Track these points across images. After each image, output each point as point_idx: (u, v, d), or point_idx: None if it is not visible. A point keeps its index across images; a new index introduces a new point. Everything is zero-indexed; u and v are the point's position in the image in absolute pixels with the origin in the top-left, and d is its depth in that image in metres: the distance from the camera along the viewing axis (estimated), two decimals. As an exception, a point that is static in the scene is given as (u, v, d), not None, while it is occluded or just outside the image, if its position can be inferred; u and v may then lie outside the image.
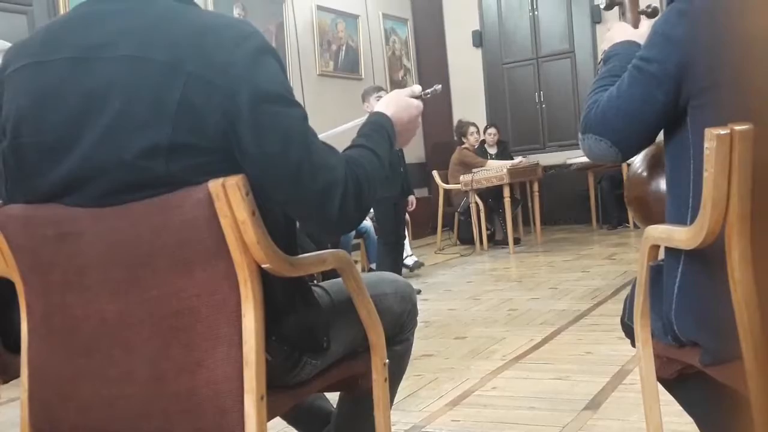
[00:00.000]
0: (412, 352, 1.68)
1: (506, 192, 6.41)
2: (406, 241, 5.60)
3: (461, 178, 6.69)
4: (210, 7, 5.84)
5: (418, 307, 1.65)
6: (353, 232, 5.07)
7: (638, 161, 1.65)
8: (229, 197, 1.03)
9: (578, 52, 8.31)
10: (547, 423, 2.22)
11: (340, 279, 1.39)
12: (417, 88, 1.44)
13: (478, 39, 8.79)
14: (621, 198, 1.75)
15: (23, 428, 1.24)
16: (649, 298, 1.37)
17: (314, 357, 1.30)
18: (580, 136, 1.35)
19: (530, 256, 6.23)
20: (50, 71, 1.11)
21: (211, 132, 1.06)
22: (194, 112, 1.04)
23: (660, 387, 1.45)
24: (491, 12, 8.71)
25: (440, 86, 1.53)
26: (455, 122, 7.68)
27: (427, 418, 2.38)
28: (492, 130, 7.58)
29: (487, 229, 6.85)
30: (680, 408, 1.54)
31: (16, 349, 1.28)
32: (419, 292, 4.81)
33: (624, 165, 5.57)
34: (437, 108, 8.26)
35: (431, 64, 8.89)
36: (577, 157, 7.19)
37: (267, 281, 1.11)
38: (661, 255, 1.35)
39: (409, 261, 5.70)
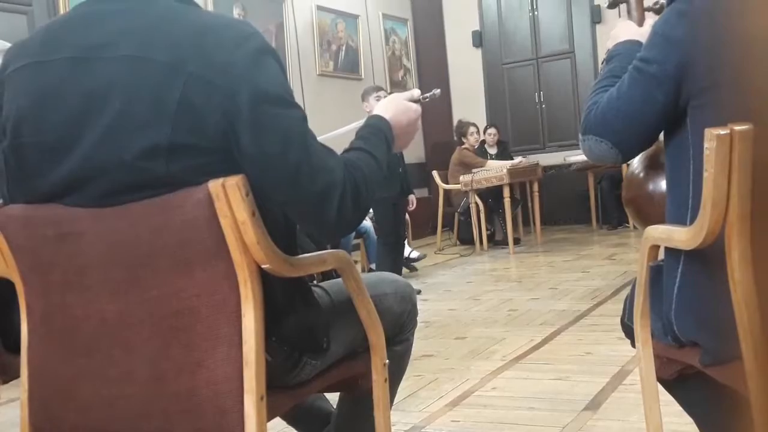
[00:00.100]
0: (412, 353, 1.68)
1: (506, 192, 6.41)
2: (407, 241, 5.62)
3: (461, 178, 6.69)
4: (210, 8, 5.84)
5: (418, 307, 1.65)
6: (353, 233, 5.08)
7: (636, 162, 1.65)
8: (229, 197, 1.04)
9: (578, 53, 8.31)
10: (547, 423, 2.22)
11: (340, 279, 1.39)
12: (416, 92, 1.44)
13: (478, 39, 8.79)
14: (621, 198, 1.74)
15: (23, 428, 1.24)
16: (649, 298, 1.37)
17: (314, 357, 1.30)
18: (580, 137, 1.35)
19: (530, 257, 6.23)
20: (50, 71, 1.11)
21: (211, 132, 1.06)
22: (194, 113, 1.04)
23: (660, 387, 1.45)
24: (491, 12, 8.71)
25: (439, 90, 1.53)
26: (455, 122, 7.68)
27: (427, 418, 2.38)
28: (492, 131, 7.58)
29: (487, 230, 6.86)
30: (680, 408, 1.54)
31: (16, 350, 1.28)
32: (419, 292, 4.81)
33: (624, 165, 5.57)
34: (437, 108, 8.27)
35: (431, 65, 8.89)
36: (577, 155, 7.18)
37: (267, 281, 1.11)
38: (661, 255, 1.35)
39: (413, 254, 5.71)
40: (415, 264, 5.88)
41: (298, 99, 1.14)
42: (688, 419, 1.54)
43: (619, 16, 6.36)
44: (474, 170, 6.65)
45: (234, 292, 1.08)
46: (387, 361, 1.44)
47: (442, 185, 7.17)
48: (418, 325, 1.68)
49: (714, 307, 1.18)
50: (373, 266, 5.22)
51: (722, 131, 1.03)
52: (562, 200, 8.20)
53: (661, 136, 1.33)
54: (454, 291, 4.86)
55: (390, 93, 5.68)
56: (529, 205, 7.23)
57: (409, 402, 2.55)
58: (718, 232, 1.08)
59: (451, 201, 7.23)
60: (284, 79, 1.13)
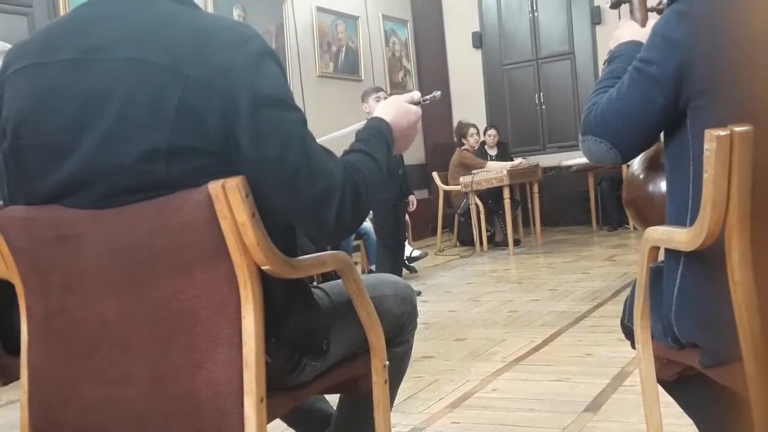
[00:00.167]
0: (412, 354, 1.68)
1: (506, 193, 6.41)
2: (407, 241, 5.62)
3: (461, 179, 6.69)
4: (210, 9, 5.84)
5: (418, 308, 1.65)
6: (353, 234, 5.07)
7: (636, 163, 1.65)
8: (229, 199, 1.03)
9: (578, 54, 8.31)
10: (548, 425, 2.22)
11: (340, 281, 1.39)
12: (416, 94, 1.44)
13: (478, 40, 8.79)
14: (621, 199, 1.74)
15: (23, 430, 1.24)
16: (649, 299, 1.37)
17: (314, 359, 1.30)
18: (580, 137, 1.35)
19: (530, 258, 6.23)
20: (50, 73, 1.11)
21: (210, 135, 1.06)
22: (194, 116, 1.04)
23: (660, 389, 1.44)
24: (491, 13, 8.72)
25: (439, 93, 1.53)
26: (455, 123, 7.68)
27: (427, 420, 2.38)
28: (492, 132, 7.59)
29: (487, 231, 6.85)
30: (680, 410, 1.54)
31: (16, 351, 1.28)
32: (419, 293, 4.81)
33: (624, 166, 5.57)
34: (437, 109, 8.26)
35: (431, 66, 8.89)
36: (574, 159, 7.18)
37: (267, 283, 1.11)
38: (661, 256, 1.35)
39: (414, 253, 5.72)
40: (416, 264, 5.88)
41: (297, 100, 1.14)
42: (688, 421, 1.54)
43: (620, 17, 6.37)
44: (474, 171, 6.65)
45: (234, 293, 1.08)
46: (387, 362, 1.44)
47: (442, 186, 7.17)
48: (418, 326, 1.68)
49: (714, 308, 1.18)
50: (373, 267, 5.22)
51: (722, 132, 1.03)
52: (562, 201, 8.20)
53: (662, 137, 1.33)
54: (454, 292, 4.86)
55: (390, 94, 5.70)
56: (529, 206, 7.23)
57: (409, 403, 2.55)
58: (718, 233, 1.08)
59: (451, 202, 7.23)
60: (284, 82, 1.13)
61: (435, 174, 7.36)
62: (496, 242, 6.95)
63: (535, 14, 8.46)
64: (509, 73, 8.67)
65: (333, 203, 1.10)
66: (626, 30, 1.48)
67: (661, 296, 1.31)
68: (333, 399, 1.69)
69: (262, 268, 1.09)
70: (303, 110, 1.14)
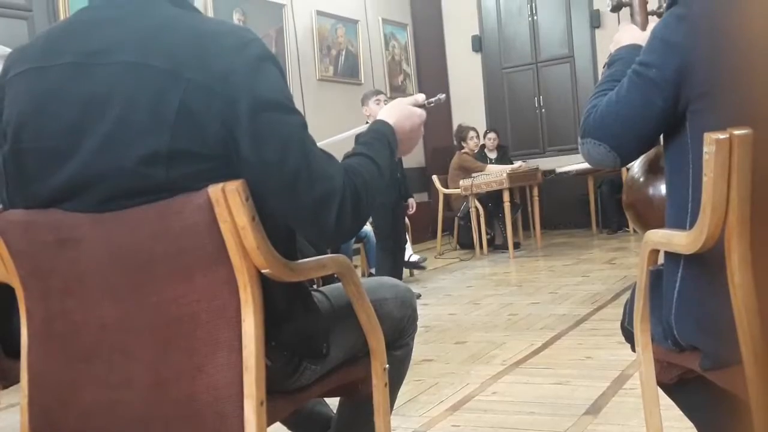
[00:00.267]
0: (412, 357, 1.68)
1: (506, 196, 6.41)
2: (408, 244, 5.62)
3: (461, 182, 6.69)
4: (210, 13, 5.85)
5: (418, 311, 1.65)
6: (353, 238, 5.07)
7: (636, 166, 1.65)
8: (229, 202, 1.04)
9: (578, 57, 8.32)
10: (548, 428, 2.22)
11: (340, 284, 1.39)
12: (420, 97, 1.43)
13: (478, 44, 8.80)
14: (621, 202, 1.74)
15: (23, 434, 1.24)
16: (649, 302, 1.37)
17: (314, 362, 1.30)
18: (579, 140, 1.35)
19: (530, 261, 6.22)
20: (51, 76, 1.12)
21: (210, 139, 1.06)
22: (193, 120, 1.04)
23: (660, 391, 1.44)
24: (491, 17, 8.73)
25: (444, 95, 1.52)
26: (455, 127, 7.69)
27: (427, 423, 2.38)
28: (492, 135, 7.59)
29: (487, 234, 6.85)
30: (680, 412, 1.54)
31: (16, 355, 1.28)
32: (419, 296, 4.80)
33: (624, 169, 5.58)
34: (437, 113, 8.27)
35: (431, 69, 8.90)
36: (571, 165, 7.18)
37: (267, 286, 1.11)
38: (661, 259, 1.35)
39: (413, 258, 5.72)
40: (415, 269, 5.88)
41: (297, 104, 1.14)
42: (689, 423, 1.54)
43: (619, 21, 6.38)
44: (474, 175, 6.66)
45: (234, 297, 1.08)
46: (387, 365, 1.44)
47: (442, 190, 7.18)
48: (418, 329, 1.68)
49: (714, 311, 1.18)
50: (373, 271, 5.21)
51: (721, 135, 1.03)
52: (561, 204, 8.20)
53: (661, 140, 1.33)
54: (454, 295, 4.85)
55: (390, 98, 5.70)
56: (529, 209, 7.23)
57: (410, 407, 2.55)
58: (717, 236, 1.08)
59: (451, 205, 7.23)
60: (284, 85, 1.13)
61: (435, 177, 7.36)
62: (496, 245, 6.95)
63: (535, 18, 8.47)
64: (509, 77, 8.68)
65: (333, 207, 1.09)
66: (626, 33, 1.48)
67: (661, 299, 1.31)
68: (333, 402, 1.69)
69: (262, 271, 1.09)
70: (303, 114, 1.14)
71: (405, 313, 1.57)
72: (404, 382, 1.69)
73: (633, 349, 1.46)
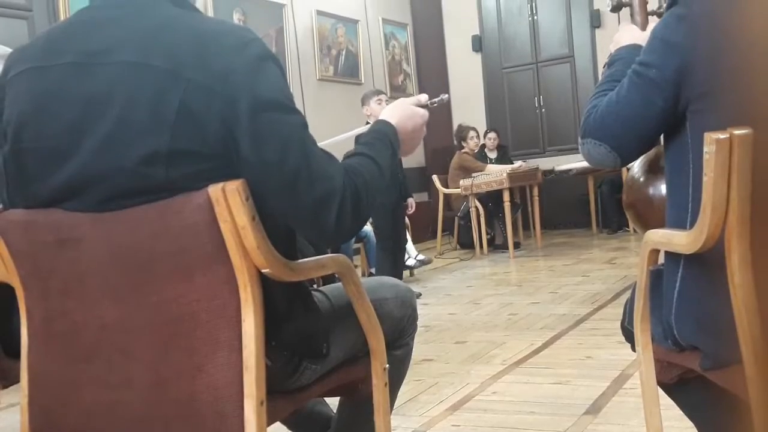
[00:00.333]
0: (412, 357, 1.68)
1: (506, 196, 6.41)
2: (409, 243, 5.62)
3: (461, 182, 6.69)
4: (210, 13, 5.85)
5: (418, 311, 1.65)
6: (354, 237, 5.07)
7: (636, 166, 1.65)
8: (229, 202, 1.04)
9: (578, 57, 8.32)
10: (548, 428, 2.22)
11: (340, 284, 1.39)
12: (423, 97, 1.43)
13: (478, 44, 8.80)
14: (621, 202, 1.75)
15: (23, 433, 1.24)
16: (649, 302, 1.37)
17: (314, 362, 1.30)
18: (579, 140, 1.35)
19: (530, 261, 6.23)
20: (51, 76, 1.12)
21: (210, 139, 1.06)
22: (193, 119, 1.04)
23: (660, 391, 1.44)
24: (491, 17, 8.73)
25: (447, 96, 1.51)
26: (455, 127, 7.69)
27: (427, 423, 2.38)
28: (492, 135, 7.59)
29: (487, 234, 6.85)
30: (681, 412, 1.54)
31: (16, 355, 1.28)
32: (419, 295, 4.81)
33: (624, 169, 5.58)
34: (437, 112, 8.25)
35: (431, 69, 8.90)
36: (570, 164, 7.18)
37: (267, 286, 1.11)
38: (661, 259, 1.35)
39: (413, 261, 5.72)
40: (414, 269, 5.88)
41: (298, 104, 1.14)
42: (689, 423, 1.54)
43: (619, 21, 6.37)
44: (474, 174, 6.66)
45: (234, 296, 1.08)
46: (387, 365, 1.44)
47: (442, 189, 7.18)
48: (418, 329, 1.68)
49: (714, 311, 1.18)
50: (373, 270, 5.22)
51: (722, 135, 1.03)
52: (562, 204, 8.20)
53: (661, 140, 1.33)
54: (454, 295, 4.85)
55: (390, 97, 5.69)
56: (529, 209, 7.23)
57: (410, 406, 2.55)
58: (718, 236, 1.08)
59: (451, 205, 7.23)
60: (285, 85, 1.13)
61: (435, 177, 7.37)
62: (496, 245, 6.95)
63: (535, 17, 8.47)
64: (509, 77, 8.68)
65: (333, 207, 1.09)
66: (626, 33, 1.48)
67: (661, 299, 1.31)
68: (333, 402, 1.69)
69: (262, 271, 1.09)
70: (303, 114, 1.14)
71: (405, 312, 1.57)
72: (404, 381, 1.69)
73: (633, 349, 1.46)
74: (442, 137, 8.42)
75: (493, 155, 7.53)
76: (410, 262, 5.70)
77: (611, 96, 1.30)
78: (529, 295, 4.55)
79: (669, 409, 1.51)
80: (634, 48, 1.41)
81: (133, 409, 1.14)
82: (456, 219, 7.19)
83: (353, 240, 5.22)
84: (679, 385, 1.44)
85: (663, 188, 1.48)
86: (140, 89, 1.05)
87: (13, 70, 1.17)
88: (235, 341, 1.08)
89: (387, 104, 4.79)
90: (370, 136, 1.29)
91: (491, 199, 6.71)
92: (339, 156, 1.21)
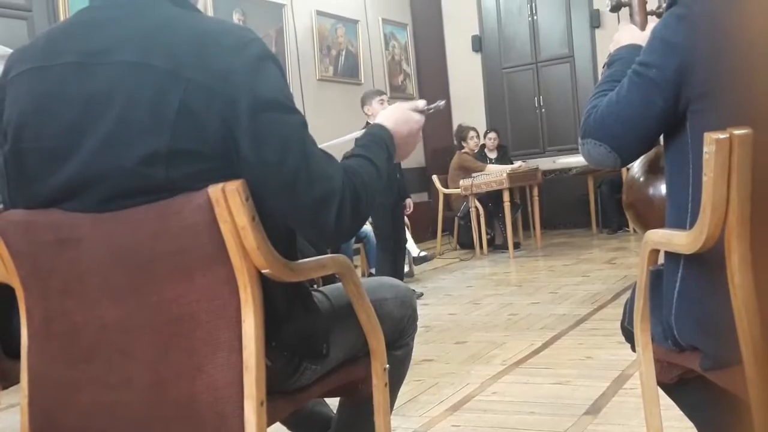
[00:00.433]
0: (412, 357, 1.68)
1: (506, 196, 6.41)
2: (411, 243, 5.62)
3: (461, 182, 6.69)
4: (210, 13, 5.84)
5: (418, 311, 1.65)
6: (353, 237, 5.07)
7: (636, 166, 1.65)
8: (229, 202, 1.04)
9: (577, 57, 8.31)
10: (548, 428, 2.22)
11: (340, 284, 1.39)
12: (421, 103, 1.44)
13: (478, 44, 8.80)
14: (621, 202, 1.75)
15: (23, 434, 1.24)
16: (649, 302, 1.37)
17: (314, 362, 1.30)
18: (579, 140, 1.35)
19: (530, 261, 6.22)
20: (52, 76, 1.12)
21: (210, 139, 1.06)
22: (193, 119, 1.05)
23: (660, 391, 1.44)
24: (491, 17, 8.73)
25: (444, 102, 1.53)
26: (455, 127, 7.69)
27: (427, 423, 2.38)
28: (492, 135, 7.59)
29: (487, 234, 6.85)
30: (681, 412, 1.54)
31: (16, 355, 1.28)
32: (421, 295, 4.81)
33: (624, 169, 5.58)
34: (437, 113, 8.22)
35: (431, 69, 8.90)
36: (568, 159, 7.18)
37: (267, 286, 1.11)
38: (661, 259, 1.35)
39: (422, 254, 5.74)
40: (416, 267, 5.88)
41: (297, 104, 1.14)
42: (689, 423, 1.54)
43: (619, 21, 6.37)
44: (474, 174, 6.66)
45: (234, 297, 1.08)
46: (387, 365, 1.44)
47: (442, 189, 7.18)
48: (418, 329, 1.68)
49: (714, 311, 1.18)
50: (373, 271, 5.22)
51: (721, 135, 1.03)
52: (562, 204, 8.20)
53: (661, 140, 1.33)
54: (454, 295, 4.85)
55: (390, 98, 5.69)
56: (529, 209, 7.23)
57: (410, 407, 2.55)
58: (717, 236, 1.08)
59: (451, 205, 7.23)
60: (284, 85, 1.13)
61: (435, 177, 7.37)
62: (496, 245, 6.95)
63: (535, 18, 8.47)
64: (509, 77, 8.68)
65: (332, 207, 1.10)
66: (626, 33, 1.48)
67: (661, 299, 1.31)
68: (333, 402, 1.69)
69: (262, 271, 1.09)
70: (303, 114, 1.14)
71: (405, 313, 1.57)
72: (404, 382, 1.69)
73: (633, 349, 1.46)
74: (442, 137, 8.42)
75: (493, 155, 7.53)
76: (414, 253, 5.72)
77: (611, 96, 1.30)
78: (529, 296, 4.55)
79: (669, 409, 1.51)
80: (634, 48, 1.41)
81: (133, 409, 1.14)
82: (456, 219, 7.19)
83: (353, 240, 5.22)
84: (679, 385, 1.44)
85: (663, 188, 1.48)
86: (140, 89, 1.05)
87: (14, 71, 1.17)
88: (235, 342, 1.08)
89: (389, 104, 4.80)
90: (366, 139, 1.30)
91: (491, 199, 6.71)
92: (337, 158, 1.21)
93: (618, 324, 1.63)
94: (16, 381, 1.44)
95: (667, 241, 1.25)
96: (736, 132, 1.02)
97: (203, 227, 1.06)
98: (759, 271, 1.04)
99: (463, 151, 7.13)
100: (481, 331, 3.67)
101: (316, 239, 1.35)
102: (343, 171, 1.14)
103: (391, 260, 4.78)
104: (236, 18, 6.24)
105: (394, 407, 1.64)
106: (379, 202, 4.41)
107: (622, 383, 2.57)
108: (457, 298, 4.72)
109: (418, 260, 5.75)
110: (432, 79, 8.76)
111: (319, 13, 7.26)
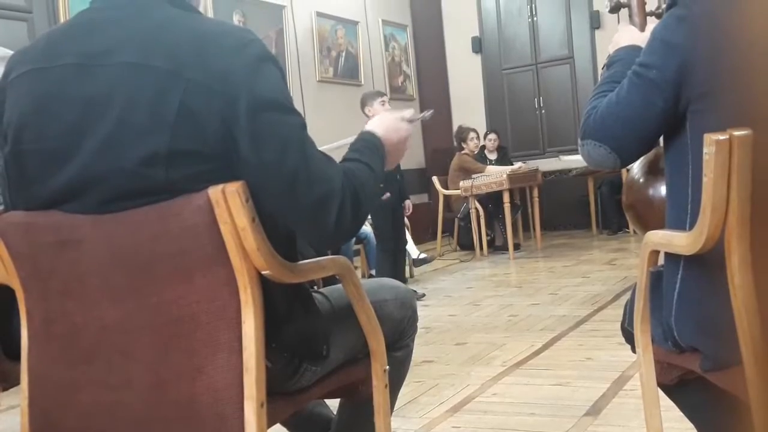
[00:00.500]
0: (412, 359, 1.68)
1: (506, 197, 6.41)
2: (411, 244, 5.62)
3: (461, 183, 6.69)
4: (210, 14, 5.85)
5: (418, 313, 1.65)
6: (353, 238, 5.07)
7: (636, 167, 1.65)
8: (229, 204, 1.04)
9: (577, 58, 8.32)
10: (548, 429, 2.22)
11: (340, 285, 1.39)
12: (408, 112, 1.45)
13: (478, 45, 8.80)
14: (621, 203, 1.75)
15: (23, 435, 1.24)
16: (649, 303, 1.37)
17: (314, 363, 1.30)
18: (579, 141, 1.35)
19: (530, 262, 6.22)
20: (52, 78, 1.12)
21: (210, 139, 1.06)
22: (193, 119, 1.05)
23: (660, 393, 1.44)
24: (490, 18, 8.73)
25: (431, 112, 1.57)
26: (455, 128, 7.69)
27: (427, 424, 2.37)
28: (492, 136, 7.59)
29: (487, 235, 6.85)
30: (681, 413, 1.54)
31: (16, 357, 1.28)
32: (423, 296, 4.81)
33: (624, 170, 5.58)
34: (437, 114, 8.25)
35: (431, 71, 8.90)
36: (572, 158, 7.18)
37: (267, 288, 1.11)
38: (661, 260, 1.35)
39: (421, 256, 5.73)
40: (416, 269, 5.88)
41: (297, 105, 1.14)
42: (689, 424, 1.54)
43: (619, 22, 6.37)
44: (474, 176, 6.65)
45: (234, 298, 1.08)
46: (387, 367, 1.44)
47: (441, 191, 7.18)
48: (419, 330, 1.68)
49: (714, 312, 1.18)
50: (374, 272, 5.21)
51: (721, 136, 1.03)
52: (562, 205, 8.20)
53: (661, 140, 1.33)
54: (454, 296, 4.85)
55: (390, 99, 5.69)
56: (529, 210, 7.23)
57: (410, 408, 2.55)
58: (717, 237, 1.08)
59: (451, 206, 7.23)
60: (284, 86, 1.13)
61: (435, 178, 7.36)
62: (496, 246, 6.95)
63: (535, 19, 8.47)
64: (509, 78, 8.68)
65: (332, 208, 1.10)
66: (625, 34, 1.48)
67: (661, 300, 1.31)
68: (333, 403, 1.69)
69: (262, 272, 1.09)
70: (303, 115, 1.15)
71: (405, 314, 1.57)
72: (404, 383, 1.69)
73: (633, 350, 1.46)
74: (441, 138, 8.42)
75: (493, 156, 7.53)
76: (414, 255, 5.71)
77: (611, 97, 1.30)
78: (529, 297, 4.55)
79: (669, 410, 1.51)
80: (633, 49, 1.41)
81: (133, 410, 1.14)
82: (456, 220, 7.19)
83: (353, 241, 5.21)
84: (679, 386, 1.44)
85: (663, 189, 1.48)
86: (140, 90, 1.05)
87: (14, 72, 1.17)
88: (235, 343, 1.08)
89: (389, 105, 4.79)
90: (360, 144, 1.31)
91: (491, 201, 6.71)
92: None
93: (618, 325, 1.63)
94: (16, 382, 1.44)
95: (667, 242, 1.25)
96: (736, 133, 1.02)
97: (203, 228, 1.06)
98: (759, 272, 1.04)
99: (463, 152, 7.13)
100: (481, 333, 3.67)
101: (316, 240, 1.35)
102: (342, 172, 1.14)
103: (391, 261, 4.78)
104: (236, 19, 6.24)
105: (395, 408, 1.64)
106: (380, 203, 4.42)
107: (622, 384, 2.57)
108: (457, 300, 4.72)
109: (418, 262, 5.75)
110: (432, 81, 8.77)
111: (319, 14, 7.26)
